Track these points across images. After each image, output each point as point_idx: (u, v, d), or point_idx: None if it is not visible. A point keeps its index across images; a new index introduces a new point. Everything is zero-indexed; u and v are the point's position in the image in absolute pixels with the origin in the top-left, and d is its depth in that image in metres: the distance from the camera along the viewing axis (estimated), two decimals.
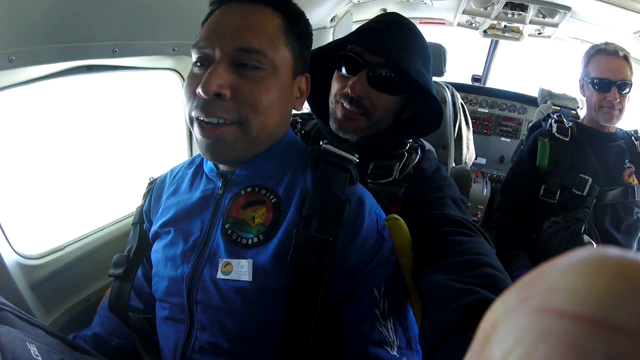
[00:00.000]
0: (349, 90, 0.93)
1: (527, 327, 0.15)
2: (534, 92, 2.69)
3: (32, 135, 1.17)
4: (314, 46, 0.87)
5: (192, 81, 0.71)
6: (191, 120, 0.72)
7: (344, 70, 0.97)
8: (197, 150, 1.58)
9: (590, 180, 1.58)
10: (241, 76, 0.69)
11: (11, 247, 1.01)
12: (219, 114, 0.69)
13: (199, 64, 0.71)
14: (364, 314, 0.71)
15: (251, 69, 0.70)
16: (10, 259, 1.00)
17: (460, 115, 1.82)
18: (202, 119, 0.69)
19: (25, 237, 1.07)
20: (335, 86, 0.99)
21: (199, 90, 0.66)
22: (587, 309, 0.14)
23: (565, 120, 1.71)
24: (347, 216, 0.72)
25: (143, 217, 0.91)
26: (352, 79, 0.93)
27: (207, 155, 0.74)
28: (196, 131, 0.72)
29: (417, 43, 0.97)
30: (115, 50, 0.99)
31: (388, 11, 2.36)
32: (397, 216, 0.83)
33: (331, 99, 1.00)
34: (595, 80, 1.57)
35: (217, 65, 0.67)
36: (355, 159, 0.80)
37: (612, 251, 0.15)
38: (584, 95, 1.69)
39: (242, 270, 0.71)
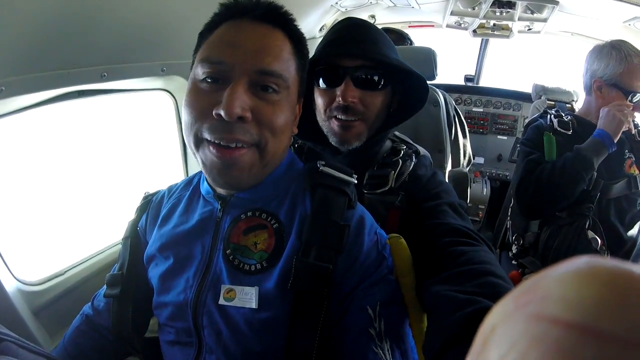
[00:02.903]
0: (341, 101, 0.92)
1: (522, 333, 0.16)
2: (527, 88, 2.69)
3: (28, 162, 1.18)
4: None
5: (201, 98, 0.67)
6: (199, 140, 0.68)
7: (324, 85, 0.96)
8: (192, 168, 1.60)
9: (595, 174, 1.53)
10: (259, 98, 0.67)
11: (12, 274, 1.02)
12: (239, 137, 0.66)
13: (209, 79, 0.67)
14: (357, 333, 0.68)
15: (271, 92, 0.68)
16: (11, 286, 1.00)
17: (456, 123, 1.80)
18: (217, 142, 0.66)
19: (25, 264, 1.08)
20: (321, 102, 0.97)
21: (221, 112, 0.63)
22: (578, 317, 0.15)
23: (563, 114, 1.69)
24: (346, 241, 0.71)
25: (137, 232, 0.90)
26: (338, 89, 0.92)
27: (217, 178, 0.70)
28: (208, 153, 0.67)
29: (383, 37, 0.98)
30: (104, 75, 1.00)
31: (376, 17, 2.38)
32: (398, 235, 0.82)
33: (321, 116, 0.98)
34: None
35: (237, 85, 0.64)
36: (354, 180, 0.79)
37: (605, 261, 0.16)
38: (598, 93, 1.59)
39: (246, 297, 0.70)
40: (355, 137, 0.96)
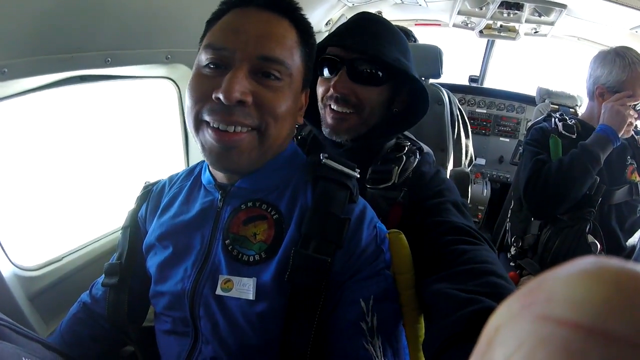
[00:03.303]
0: (333, 90, 0.93)
1: (528, 333, 0.16)
2: (531, 91, 2.69)
3: (26, 147, 1.17)
4: None
5: (202, 82, 0.68)
6: (199, 123, 0.69)
7: (325, 73, 0.97)
8: (193, 158, 1.59)
9: (597, 179, 1.54)
10: (260, 84, 0.67)
11: (8, 259, 1.01)
12: (240, 121, 0.66)
13: (212, 65, 0.68)
14: (348, 326, 0.67)
15: (273, 79, 0.68)
16: (7, 271, 1.00)
17: (459, 122, 1.79)
18: (216, 126, 0.66)
19: (23, 249, 1.07)
20: (320, 90, 0.99)
21: (220, 95, 0.63)
22: (584, 317, 0.15)
23: (567, 117, 1.69)
24: (346, 235, 0.70)
25: (137, 222, 0.89)
26: (333, 79, 0.94)
27: (216, 162, 0.71)
28: (207, 136, 0.68)
29: (390, 35, 0.97)
30: (108, 60, 0.99)
31: (383, 13, 2.36)
32: (398, 230, 0.81)
33: (319, 104, 1.00)
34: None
35: (238, 70, 0.65)
36: (356, 174, 0.79)
37: (611, 262, 0.16)
38: (600, 99, 1.58)
39: (244, 288, 0.69)
40: (346, 130, 0.96)
